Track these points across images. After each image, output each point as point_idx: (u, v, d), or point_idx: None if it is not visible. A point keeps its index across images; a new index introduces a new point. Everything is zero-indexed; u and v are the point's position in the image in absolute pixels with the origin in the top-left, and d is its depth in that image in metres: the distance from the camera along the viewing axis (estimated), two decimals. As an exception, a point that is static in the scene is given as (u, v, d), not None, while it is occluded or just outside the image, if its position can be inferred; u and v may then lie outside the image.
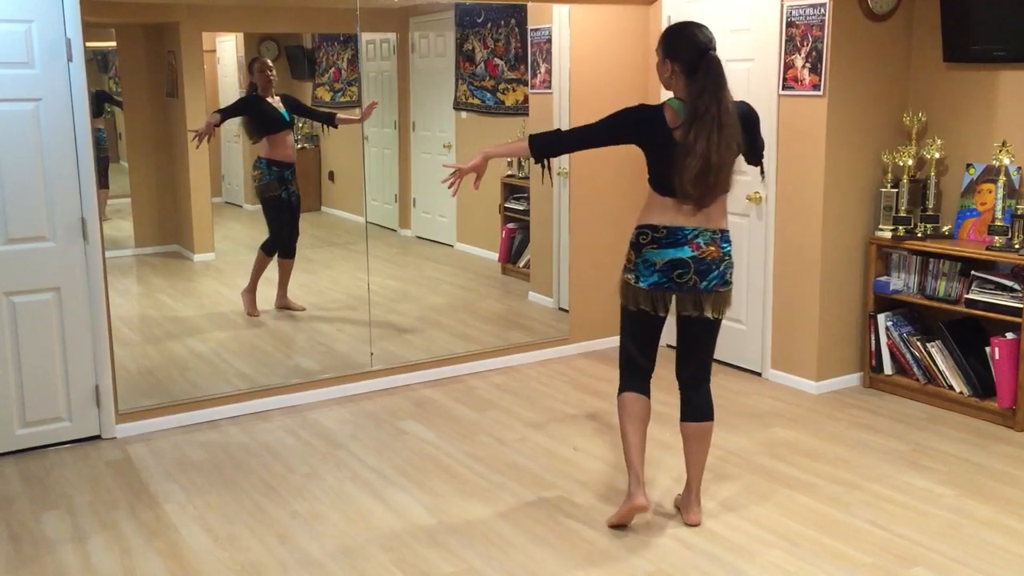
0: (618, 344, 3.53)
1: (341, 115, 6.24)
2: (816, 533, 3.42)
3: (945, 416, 4.57)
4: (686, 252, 3.24)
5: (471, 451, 4.22)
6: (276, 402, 4.77)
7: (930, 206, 4.79)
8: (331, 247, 6.79)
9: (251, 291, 5.80)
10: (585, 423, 4.55)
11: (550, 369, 5.41)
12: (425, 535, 3.44)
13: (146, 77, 5.89)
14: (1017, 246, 4.35)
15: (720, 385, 4.37)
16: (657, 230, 3.27)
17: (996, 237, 4.43)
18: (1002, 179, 4.47)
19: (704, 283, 3.27)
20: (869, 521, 3.51)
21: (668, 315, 3.35)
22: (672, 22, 4.33)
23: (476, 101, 6.58)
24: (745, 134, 3.24)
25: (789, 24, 4.77)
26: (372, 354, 5.13)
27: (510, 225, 6.53)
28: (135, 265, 6.15)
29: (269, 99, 5.77)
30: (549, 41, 5.67)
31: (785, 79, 4.83)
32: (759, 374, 5.18)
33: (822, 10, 4.61)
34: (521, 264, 6.49)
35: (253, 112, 5.84)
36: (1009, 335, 4.37)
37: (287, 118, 5.85)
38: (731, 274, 3.33)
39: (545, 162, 3.45)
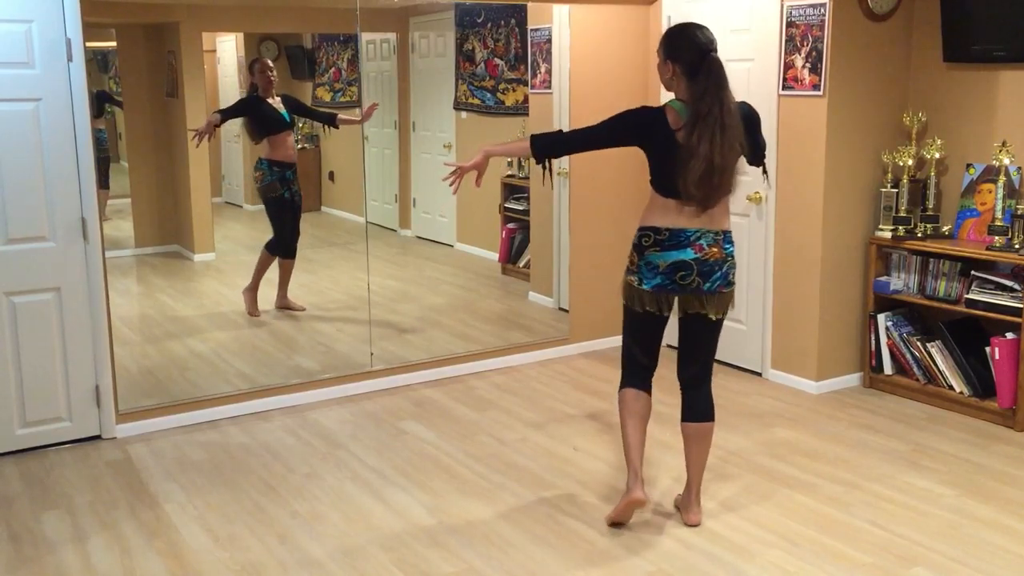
0: (619, 344, 3.54)
1: (342, 115, 6.24)
2: (816, 533, 3.42)
3: (945, 416, 4.57)
4: (689, 254, 3.24)
5: (471, 451, 4.22)
6: (276, 402, 4.77)
7: (930, 206, 4.79)
8: (331, 247, 6.78)
9: (253, 290, 5.81)
10: (585, 423, 4.55)
11: (550, 369, 5.41)
12: (425, 535, 3.44)
13: (146, 77, 5.89)
14: (1017, 246, 4.35)
15: (720, 385, 4.37)
16: (660, 232, 3.26)
17: (996, 237, 4.43)
18: (1002, 179, 4.47)
19: (707, 284, 3.27)
20: (869, 521, 3.51)
21: (671, 314, 3.36)
22: (672, 22, 4.33)
23: (476, 101, 6.57)
24: (747, 135, 3.24)
25: (789, 24, 4.77)
26: (372, 354, 5.13)
27: (510, 225, 6.52)
28: (135, 265, 6.15)
29: (270, 100, 5.77)
30: (549, 41, 5.67)
31: (785, 79, 4.83)
32: (759, 374, 5.18)
33: (822, 10, 4.61)
34: (521, 264, 6.48)
35: (254, 113, 5.84)
36: (1009, 335, 4.37)
37: (288, 119, 5.85)
38: (734, 275, 3.34)
39: (546, 163, 3.43)
